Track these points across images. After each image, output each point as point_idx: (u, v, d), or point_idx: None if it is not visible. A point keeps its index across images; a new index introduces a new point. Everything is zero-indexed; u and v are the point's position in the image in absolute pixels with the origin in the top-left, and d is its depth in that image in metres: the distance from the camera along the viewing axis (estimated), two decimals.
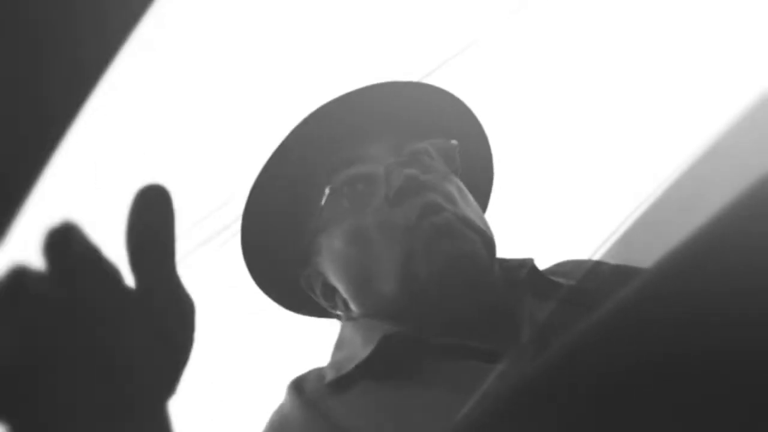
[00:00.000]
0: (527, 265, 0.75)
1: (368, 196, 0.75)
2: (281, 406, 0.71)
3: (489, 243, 0.74)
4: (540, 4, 1.47)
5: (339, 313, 0.80)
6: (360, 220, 0.74)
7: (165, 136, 1.34)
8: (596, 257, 1.20)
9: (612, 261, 0.81)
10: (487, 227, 0.76)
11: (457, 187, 0.77)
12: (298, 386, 0.71)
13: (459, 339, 0.68)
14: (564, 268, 0.80)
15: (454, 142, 0.80)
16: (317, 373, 0.73)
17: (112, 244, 0.38)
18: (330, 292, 0.80)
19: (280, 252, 0.82)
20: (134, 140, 1.30)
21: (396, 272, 0.70)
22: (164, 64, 1.28)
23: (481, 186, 0.89)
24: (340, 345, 0.77)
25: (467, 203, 0.76)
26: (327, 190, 0.76)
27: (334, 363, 0.72)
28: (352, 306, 0.77)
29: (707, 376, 0.29)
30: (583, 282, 0.75)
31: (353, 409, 0.65)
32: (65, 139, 0.35)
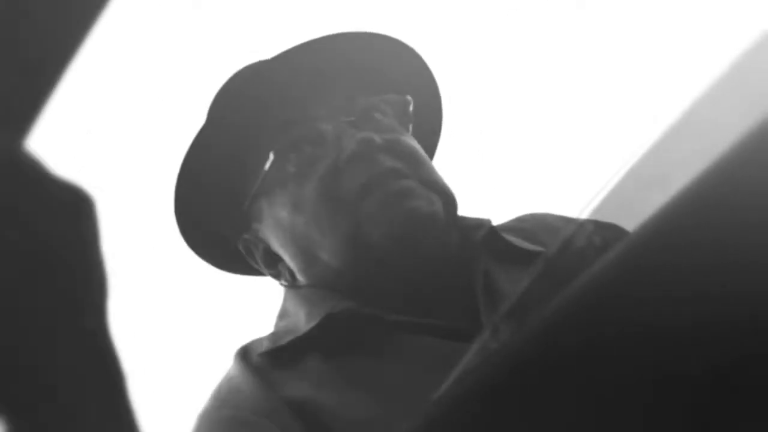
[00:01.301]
0: (485, 225, 0.71)
1: (316, 160, 0.69)
2: (228, 373, 0.68)
3: (451, 203, 0.69)
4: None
5: (283, 282, 0.75)
6: (307, 186, 0.68)
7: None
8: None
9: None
10: (447, 186, 0.71)
11: (412, 147, 0.71)
12: (245, 355, 0.67)
13: (414, 315, 0.64)
14: (525, 225, 0.76)
15: (408, 97, 0.75)
16: (260, 341, 0.69)
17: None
18: (272, 259, 0.74)
19: (216, 215, 0.76)
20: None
21: (345, 241, 0.66)
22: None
23: (428, 137, 0.83)
24: (283, 314, 0.73)
25: (424, 162, 0.71)
26: (271, 155, 0.70)
27: (274, 334, 0.69)
28: (299, 276, 0.72)
29: (691, 350, 0.29)
30: (551, 249, 0.72)
31: (299, 382, 0.62)
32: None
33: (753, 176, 0.29)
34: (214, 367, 0.71)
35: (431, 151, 0.83)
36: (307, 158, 0.69)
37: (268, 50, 0.74)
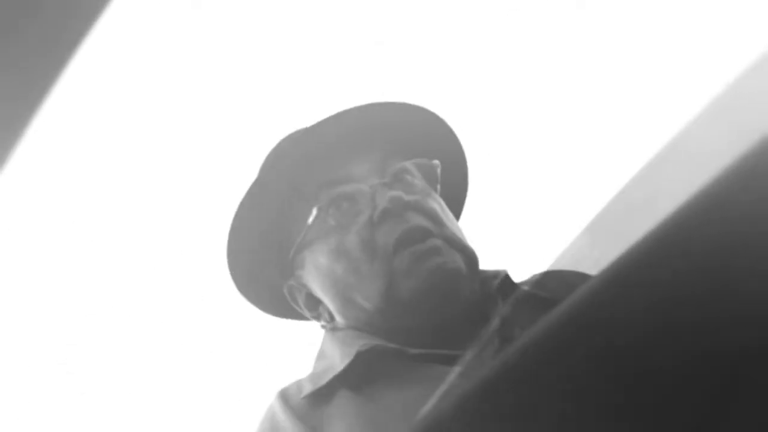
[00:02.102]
0: (500, 274, 0.80)
1: (353, 216, 0.79)
2: (272, 415, 0.75)
3: (471, 258, 0.78)
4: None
5: (322, 323, 0.85)
6: (345, 238, 0.79)
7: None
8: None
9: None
10: (468, 244, 0.80)
11: (439, 205, 0.82)
12: (286, 396, 0.76)
13: (435, 348, 0.73)
14: (543, 278, 0.84)
15: (435, 161, 0.85)
16: (300, 383, 0.78)
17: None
18: (314, 303, 0.85)
19: (264, 263, 0.87)
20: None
21: (379, 291, 0.76)
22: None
23: (456, 196, 0.93)
24: (321, 355, 0.82)
25: (449, 220, 0.81)
26: (314, 210, 0.81)
27: (313, 375, 0.77)
28: (337, 317, 0.82)
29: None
30: (545, 279, 0.80)
31: (335, 419, 0.70)
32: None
33: (756, 188, 0.29)
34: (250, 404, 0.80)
35: (460, 202, 0.94)
36: (346, 213, 0.80)
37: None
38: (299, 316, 0.91)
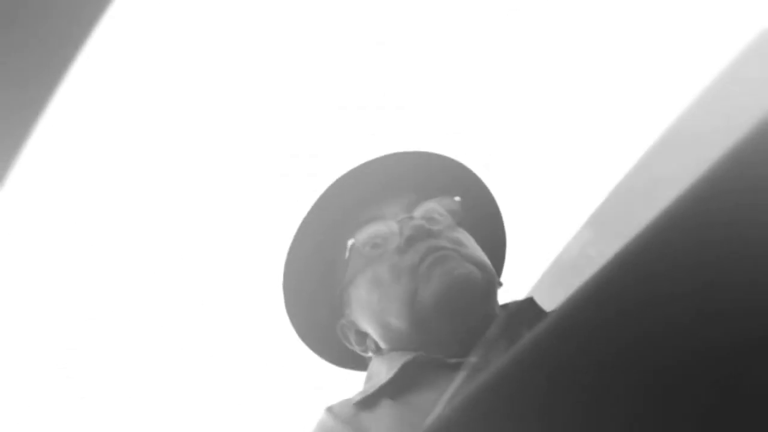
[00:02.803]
0: (525, 299, 0.86)
1: (385, 248, 0.87)
2: (322, 424, 0.81)
3: (486, 272, 0.85)
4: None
5: (370, 354, 0.90)
6: (377, 268, 0.86)
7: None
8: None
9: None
10: (488, 264, 0.87)
11: (463, 236, 0.89)
12: (332, 409, 0.82)
13: (468, 357, 0.78)
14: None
15: (457, 198, 0.93)
16: (347, 400, 0.83)
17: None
18: (362, 338, 0.91)
19: (319, 308, 0.94)
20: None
21: (406, 304, 0.82)
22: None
23: (495, 247, 1.00)
24: (369, 377, 0.87)
25: (472, 247, 0.88)
26: (349, 244, 0.89)
27: (362, 392, 0.83)
28: (381, 345, 0.88)
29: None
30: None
31: (378, 423, 0.76)
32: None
33: (754, 175, 0.29)
34: None
35: (500, 255, 1.01)
36: (378, 247, 0.88)
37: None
38: (353, 363, 0.98)
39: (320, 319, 0.95)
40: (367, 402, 0.80)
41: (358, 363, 0.97)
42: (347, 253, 0.90)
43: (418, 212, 0.90)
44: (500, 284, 0.92)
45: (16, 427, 1.29)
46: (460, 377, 0.69)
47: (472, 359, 0.77)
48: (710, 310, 0.28)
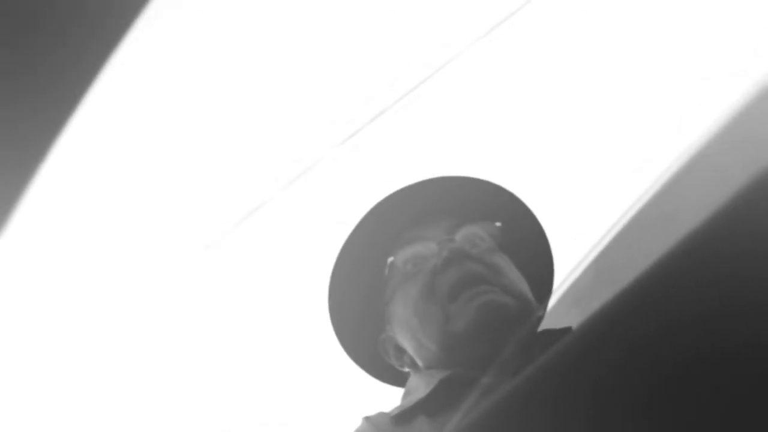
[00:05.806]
0: (564, 327, 0.89)
1: (422, 267, 0.90)
2: None
3: (521, 300, 0.86)
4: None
5: (407, 369, 0.94)
6: (413, 288, 0.90)
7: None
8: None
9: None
10: (524, 293, 0.88)
11: (503, 260, 0.91)
12: (370, 418, 0.85)
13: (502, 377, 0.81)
14: None
15: (498, 223, 0.96)
16: (385, 412, 0.87)
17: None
18: (400, 353, 0.94)
19: (365, 324, 0.98)
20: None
21: (437, 331, 0.85)
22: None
23: (541, 269, 1.00)
24: (407, 393, 0.91)
25: (511, 273, 0.90)
26: (389, 262, 0.94)
27: (400, 406, 0.87)
28: (418, 362, 0.91)
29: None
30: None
31: None
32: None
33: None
34: None
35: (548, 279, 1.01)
36: (417, 265, 0.91)
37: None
38: (393, 379, 1.01)
39: (365, 334, 0.98)
40: (405, 416, 0.82)
41: (397, 379, 0.99)
42: (386, 270, 0.94)
43: (459, 235, 0.92)
44: (541, 312, 0.94)
45: (17, 429, 1.29)
46: (475, 395, 0.71)
47: (504, 378, 0.78)
48: (726, 339, 0.28)
